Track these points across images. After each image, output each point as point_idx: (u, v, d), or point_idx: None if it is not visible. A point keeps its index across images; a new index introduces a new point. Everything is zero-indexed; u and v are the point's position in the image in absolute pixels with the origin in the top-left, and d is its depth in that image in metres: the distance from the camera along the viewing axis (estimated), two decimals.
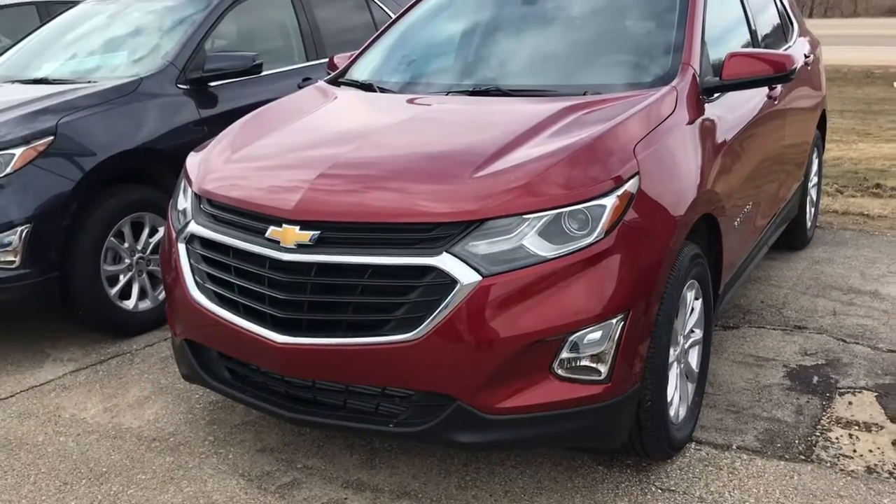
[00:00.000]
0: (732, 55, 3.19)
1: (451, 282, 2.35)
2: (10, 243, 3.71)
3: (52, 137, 3.83)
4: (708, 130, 3.11)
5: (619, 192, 2.48)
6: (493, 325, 2.35)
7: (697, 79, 3.15)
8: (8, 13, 6.75)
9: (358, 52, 4.03)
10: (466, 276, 2.34)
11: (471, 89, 3.32)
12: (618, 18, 3.68)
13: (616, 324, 2.43)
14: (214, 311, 2.72)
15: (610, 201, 2.45)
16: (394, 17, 5.81)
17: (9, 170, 3.73)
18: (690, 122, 3.00)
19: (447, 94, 3.34)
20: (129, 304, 4.13)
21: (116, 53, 4.87)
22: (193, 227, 2.83)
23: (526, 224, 2.39)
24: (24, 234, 3.71)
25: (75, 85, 4.36)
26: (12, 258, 3.72)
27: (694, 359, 3.06)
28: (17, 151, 3.76)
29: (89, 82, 4.39)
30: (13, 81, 4.71)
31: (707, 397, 3.29)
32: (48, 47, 5.15)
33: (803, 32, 5.14)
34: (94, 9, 5.43)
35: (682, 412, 2.93)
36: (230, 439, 3.15)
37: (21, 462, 3.06)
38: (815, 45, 5.27)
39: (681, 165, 2.84)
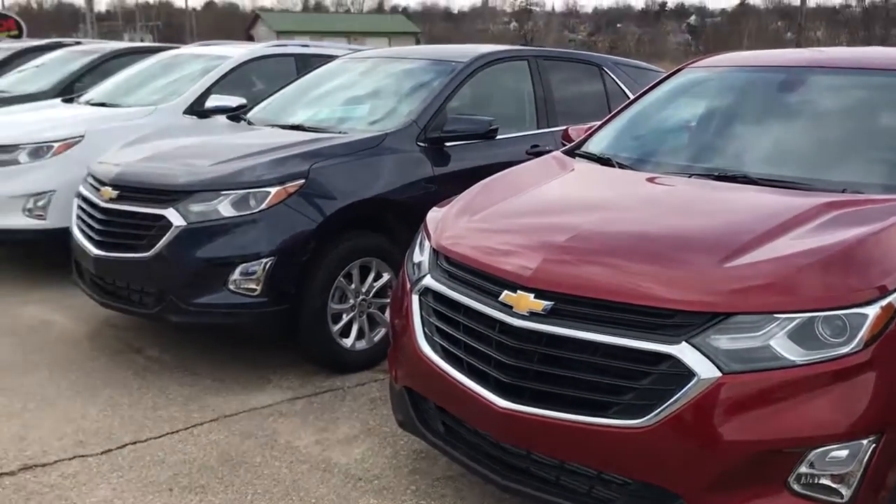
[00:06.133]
0: None
1: (687, 373, 2.27)
2: (254, 273, 4.03)
3: (303, 181, 4.15)
4: None
5: (884, 302, 2.29)
6: (728, 427, 2.24)
7: None
8: (269, 62, 7.44)
9: (597, 125, 4.05)
10: (705, 369, 2.25)
11: (716, 174, 3.23)
12: (881, 116, 3.45)
13: (867, 445, 2.22)
14: (439, 365, 2.78)
15: (872, 311, 2.27)
16: (627, 90, 5.88)
17: (263, 206, 4.07)
18: None
19: (690, 175, 3.27)
20: (348, 342, 4.33)
21: (364, 108, 5.22)
22: (428, 281, 2.94)
23: (776, 324, 2.26)
24: (267, 266, 4.02)
25: (327, 134, 4.71)
26: (254, 286, 4.04)
27: None
28: (272, 190, 4.10)
29: (340, 133, 4.73)
30: (272, 125, 5.17)
31: None
32: (304, 97, 5.62)
33: None
34: (347, 65, 5.88)
35: None
36: (431, 492, 3.19)
37: (240, 480, 3.26)
38: None
39: None
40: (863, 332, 2.25)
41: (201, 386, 4.16)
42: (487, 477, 2.67)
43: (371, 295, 4.43)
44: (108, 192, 4.37)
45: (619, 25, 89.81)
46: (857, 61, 3.80)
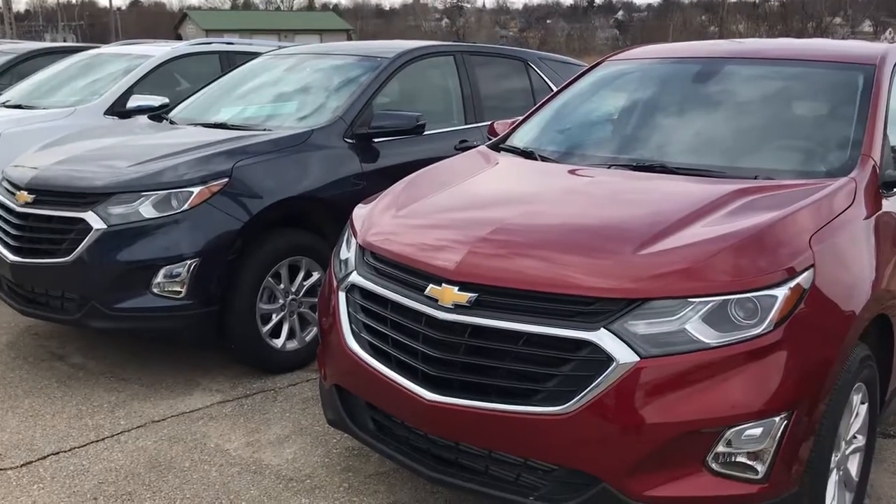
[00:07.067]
0: None
1: (606, 359, 2.32)
2: (178, 275, 3.95)
3: (227, 179, 4.08)
4: (886, 227, 2.94)
5: (792, 283, 2.38)
6: (647, 410, 2.29)
7: (878, 172, 3.01)
8: (192, 60, 7.30)
9: (520, 119, 4.10)
10: (623, 355, 2.30)
11: (634, 164, 3.30)
12: (792, 105, 3.58)
13: (779, 422, 2.31)
14: (367, 361, 2.78)
15: (782, 292, 2.35)
16: (552, 85, 5.95)
17: (186, 206, 3.99)
18: (868, 217, 2.86)
19: (609, 167, 3.34)
20: (278, 342, 4.29)
21: (290, 105, 5.17)
22: (355, 278, 2.93)
23: (690, 308, 2.33)
24: (191, 268, 3.95)
25: (251, 132, 4.65)
26: (179, 289, 3.96)
27: (854, 466, 2.86)
28: (195, 190, 4.02)
29: (265, 130, 4.67)
30: (195, 124, 5.07)
31: None
32: (228, 94, 5.53)
33: None
34: (272, 62, 5.81)
35: None
36: (364, 489, 3.19)
37: (169, 485, 3.20)
38: None
39: (856, 262, 2.70)
40: (773, 313, 2.33)
41: (128, 392, 4.07)
42: (416, 469, 2.67)
43: (301, 294, 4.39)
44: (24, 196, 4.23)
45: (548, 21, 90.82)
46: (770, 52, 3.92)
